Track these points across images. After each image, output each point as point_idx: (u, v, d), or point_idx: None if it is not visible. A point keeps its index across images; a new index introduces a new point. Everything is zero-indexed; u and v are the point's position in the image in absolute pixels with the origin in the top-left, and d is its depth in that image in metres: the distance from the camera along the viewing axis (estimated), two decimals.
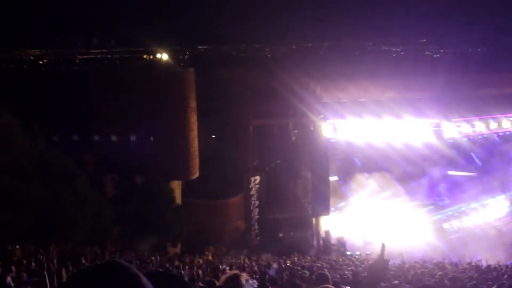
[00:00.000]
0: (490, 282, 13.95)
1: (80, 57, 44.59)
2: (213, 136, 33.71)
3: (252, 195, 33.47)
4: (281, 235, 33.58)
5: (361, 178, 38.15)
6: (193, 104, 30.32)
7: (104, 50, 44.04)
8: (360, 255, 31.64)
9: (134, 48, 39.70)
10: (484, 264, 23.63)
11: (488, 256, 28.19)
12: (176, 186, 30.43)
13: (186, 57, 37.13)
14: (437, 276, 14.67)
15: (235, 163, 32.83)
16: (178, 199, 30.31)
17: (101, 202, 25.97)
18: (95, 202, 24.86)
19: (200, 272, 16.17)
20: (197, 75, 30.52)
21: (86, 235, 23.35)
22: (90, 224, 23.71)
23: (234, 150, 32.82)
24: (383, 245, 3.62)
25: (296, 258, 24.92)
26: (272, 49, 39.18)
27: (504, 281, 13.28)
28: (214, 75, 32.80)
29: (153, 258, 21.44)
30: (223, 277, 4.72)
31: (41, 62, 44.26)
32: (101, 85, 30.88)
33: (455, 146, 37.19)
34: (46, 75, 39.45)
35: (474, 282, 13.53)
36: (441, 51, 37.04)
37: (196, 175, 30.69)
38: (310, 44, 38.46)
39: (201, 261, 23.22)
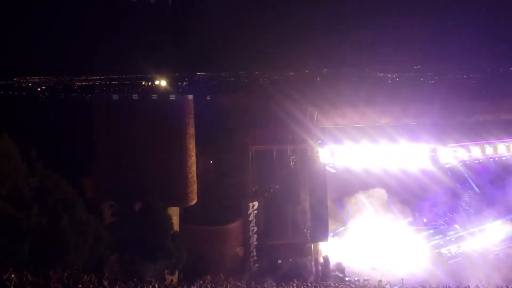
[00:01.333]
0: None
1: (79, 83, 44.83)
2: (212, 162, 33.78)
3: (250, 221, 33.42)
4: (280, 261, 33.47)
5: (359, 203, 38.30)
6: (191, 130, 30.43)
7: (102, 77, 44.27)
8: (358, 280, 31.58)
9: (132, 75, 39.98)
10: None
11: (485, 281, 28.22)
12: (174, 213, 30.35)
13: (185, 83, 37.31)
14: None
15: (234, 189, 32.89)
16: (176, 225, 30.21)
17: (100, 228, 25.86)
18: (94, 228, 24.77)
19: None
20: (196, 101, 30.71)
21: (84, 262, 23.23)
22: (88, 251, 23.60)
23: (233, 176, 32.90)
24: (379, 282, 3.67)
25: (295, 285, 24.84)
26: (270, 75, 39.49)
27: None
28: (212, 101, 33.06)
29: (150, 286, 21.29)
30: None
31: (39, 89, 44.51)
32: (99, 111, 31.01)
33: (452, 171, 37.43)
34: (45, 102, 39.69)
35: None
36: (436, 77, 37.45)
37: (194, 201, 30.65)
38: (307, 71, 38.81)
39: None
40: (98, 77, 44.54)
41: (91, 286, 18.64)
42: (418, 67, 38.35)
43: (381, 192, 37.89)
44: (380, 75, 38.21)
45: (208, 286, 23.29)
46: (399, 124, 34.94)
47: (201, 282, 25.73)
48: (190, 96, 31.01)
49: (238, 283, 26.37)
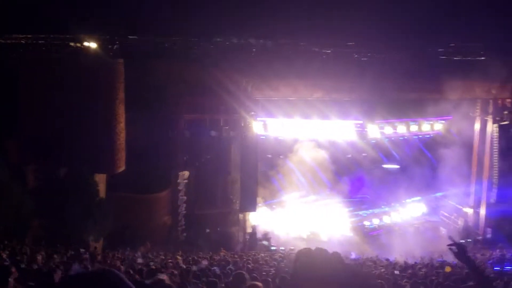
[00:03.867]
0: (405, 280, 14.59)
1: (3, 41, 42.47)
2: (142, 129, 33.13)
3: (180, 190, 33.29)
4: (208, 230, 33.64)
5: (291, 174, 38.98)
6: (121, 95, 29.69)
7: (29, 36, 42.14)
8: (284, 250, 32.29)
9: (60, 34, 38.22)
10: (401, 260, 24.69)
11: (405, 253, 29.62)
12: (101, 180, 29.75)
13: (115, 47, 36.15)
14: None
15: (164, 158, 32.50)
16: (103, 192, 29.67)
17: (22, 193, 25.09)
18: (16, 193, 24.01)
19: (122, 267, 15.94)
20: (127, 66, 29.90)
21: (6, 228, 22.54)
22: (11, 216, 22.89)
23: (164, 144, 32.48)
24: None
25: (222, 254, 25.09)
26: (204, 44, 38.94)
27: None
28: (145, 67, 32.24)
29: (70, 252, 20.86)
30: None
31: None
32: (26, 71, 29.67)
33: (378, 146, 38.66)
34: None
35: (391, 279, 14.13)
36: (369, 54, 38.19)
37: (122, 168, 30.07)
38: (243, 41, 38.57)
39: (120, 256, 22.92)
40: (24, 36, 42.39)
41: (11, 250, 18.13)
42: (352, 43, 38.95)
43: (311, 168, 38.66)
44: (315, 49, 38.51)
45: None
46: (331, 99, 35.51)
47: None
48: (121, 60, 30.19)
49: (167, 252, 26.34)
